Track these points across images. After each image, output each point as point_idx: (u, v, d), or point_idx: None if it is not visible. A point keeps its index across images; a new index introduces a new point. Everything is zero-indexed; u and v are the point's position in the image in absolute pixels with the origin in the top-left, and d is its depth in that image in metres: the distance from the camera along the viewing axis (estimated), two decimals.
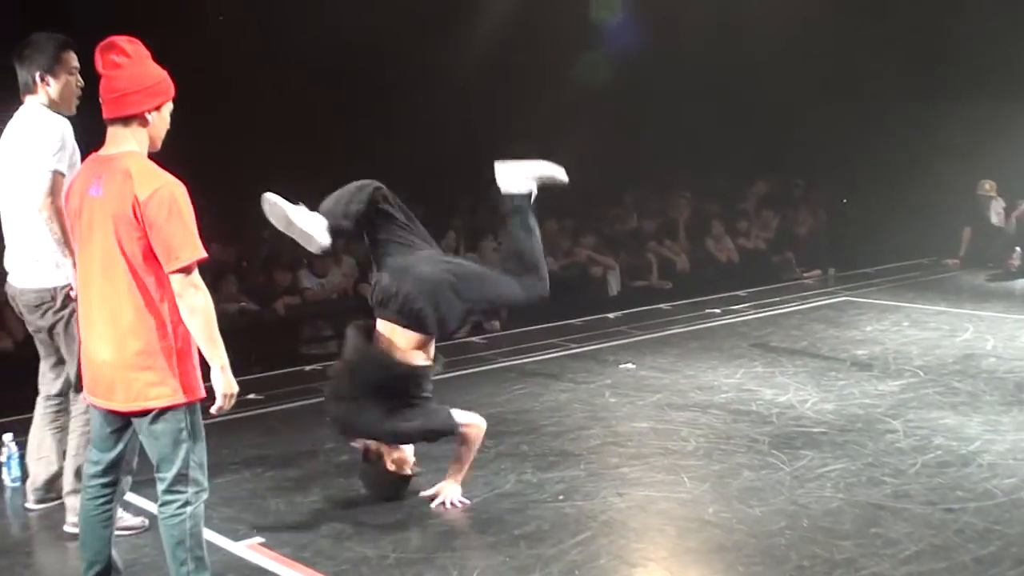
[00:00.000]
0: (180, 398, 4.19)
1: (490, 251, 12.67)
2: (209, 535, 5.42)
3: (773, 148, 16.14)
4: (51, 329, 5.52)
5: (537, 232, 6.15)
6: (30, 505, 5.95)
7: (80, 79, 5.56)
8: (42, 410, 5.81)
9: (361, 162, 14.23)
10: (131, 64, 4.24)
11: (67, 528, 5.53)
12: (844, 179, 16.25)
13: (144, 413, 4.20)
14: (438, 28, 14.00)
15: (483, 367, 9.17)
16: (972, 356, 8.87)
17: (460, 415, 5.87)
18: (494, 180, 6.18)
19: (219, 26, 13.14)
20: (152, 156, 4.34)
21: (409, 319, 5.71)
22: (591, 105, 14.96)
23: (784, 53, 15.05)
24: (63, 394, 5.72)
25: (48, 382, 5.76)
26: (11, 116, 5.56)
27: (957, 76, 14.83)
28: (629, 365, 8.94)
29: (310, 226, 5.65)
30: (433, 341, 5.87)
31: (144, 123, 4.26)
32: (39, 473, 5.90)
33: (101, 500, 4.46)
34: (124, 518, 5.53)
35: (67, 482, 5.59)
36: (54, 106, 5.51)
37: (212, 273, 10.99)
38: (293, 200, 5.70)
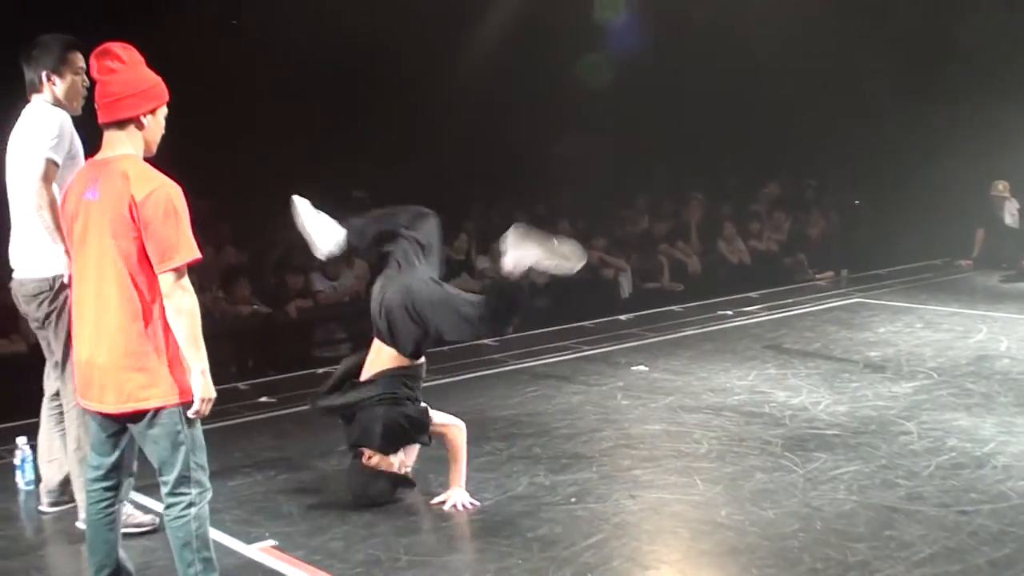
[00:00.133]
0: (173, 399, 4.20)
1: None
2: (222, 537, 5.46)
3: (785, 150, 16.11)
4: (45, 319, 5.56)
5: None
6: (44, 508, 5.96)
7: (86, 79, 5.60)
8: (47, 411, 5.83)
9: (374, 165, 14.34)
10: (125, 69, 4.31)
11: (79, 524, 5.54)
12: (856, 180, 16.22)
13: (138, 415, 4.21)
14: (448, 30, 14.01)
15: (495, 369, 9.17)
16: (986, 357, 8.85)
17: (436, 415, 5.95)
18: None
19: (234, 29, 13.16)
20: (160, 159, 4.38)
21: (382, 338, 5.94)
22: (602, 106, 14.95)
23: (795, 54, 15.03)
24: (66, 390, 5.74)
25: (51, 381, 5.78)
26: (18, 115, 5.63)
27: (971, 76, 14.79)
28: (641, 367, 8.93)
29: (317, 234, 6.09)
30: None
31: (140, 127, 4.32)
32: (52, 476, 5.92)
33: (104, 503, 4.47)
34: (134, 515, 5.57)
35: (74, 477, 5.60)
36: (59, 104, 5.59)
37: (224, 276, 11.03)
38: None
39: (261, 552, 5.35)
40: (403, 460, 5.99)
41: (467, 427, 7.00)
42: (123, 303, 4.17)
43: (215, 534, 5.49)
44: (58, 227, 5.25)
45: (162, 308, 4.18)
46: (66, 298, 5.40)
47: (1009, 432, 6.81)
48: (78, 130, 5.55)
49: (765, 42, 14.71)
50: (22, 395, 6.96)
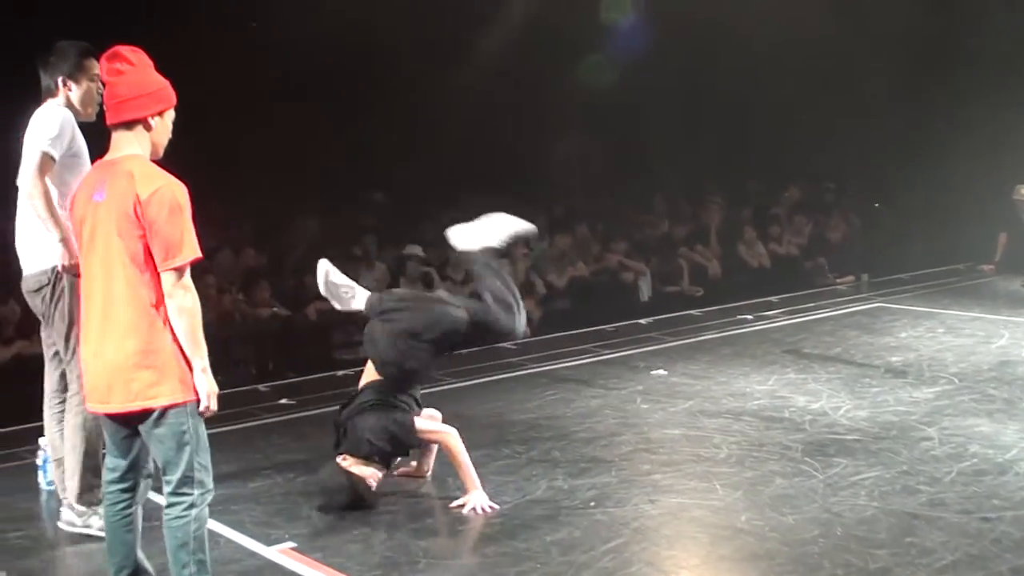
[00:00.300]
0: (179, 397, 4.22)
1: (520, 256, 12.69)
2: (241, 539, 5.49)
3: (806, 153, 16.05)
4: (46, 312, 5.61)
5: (504, 272, 6.29)
6: (63, 509, 5.98)
7: (101, 86, 5.63)
8: (49, 411, 5.85)
9: (391, 167, 14.35)
10: (134, 71, 4.36)
11: (60, 523, 5.66)
12: (877, 184, 16.15)
13: (144, 414, 4.23)
14: (462, 32, 14.01)
15: (514, 373, 9.17)
16: (1008, 363, 8.79)
17: (423, 424, 6.03)
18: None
19: (253, 30, 13.19)
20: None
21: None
22: (617, 108, 14.93)
23: (813, 58, 14.99)
24: (65, 390, 5.78)
25: (50, 377, 5.81)
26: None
27: (993, 79, 14.72)
28: (661, 371, 8.91)
29: (339, 298, 6.52)
30: None
31: (147, 128, 4.37)
32: (61, 476, 5.96)
33: (122, 505, 4.49)
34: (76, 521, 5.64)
35: (67, 466, 5.64)
36: (72, 110, 5.66)
37: (244, 278, 11.06)
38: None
39: (280, 553, 5.36)
40: (376, 474, 6.00)
41: (485, 431, 7.04)
42: (130, 302, 4.20)
43: (234, 535, 5.55)
44: (51, 216, 5.41)
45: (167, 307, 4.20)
46: (63, 288, 5.51)
47: None
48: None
49: (782, 45, 14.66)
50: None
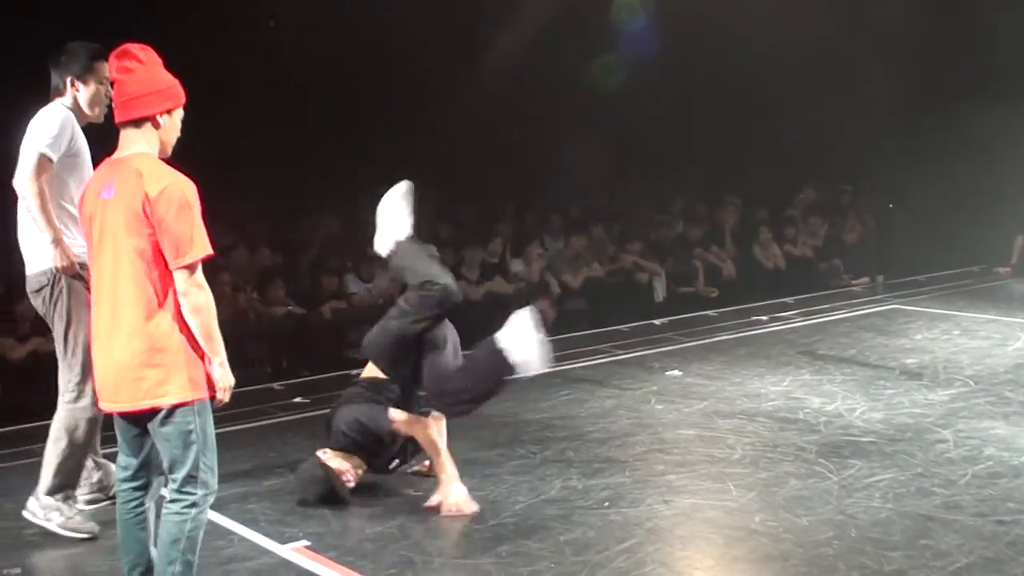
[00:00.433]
0: (187, 396, 4.22)
1: (535, 257, 12.68)
2: (255, 537, 5.50)
3: (820, 154, 16.01)
4: (46, 313, 5.63)
5: (417, 257, 6.45)
6: (79, 505, 6.00)
7: (110, 89, 5.64)
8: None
9: (410, 165, 14.34)
10: (142, 69, 4.36)
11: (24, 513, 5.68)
12: (893, 185, 16.10)
13: (152, 412, 4.24)
14: (481, 30, 14.02)
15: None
16: None
17: (396, 414, 6.01)
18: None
19: (271, 30, 13.21)
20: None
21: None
22: (634, 109, 14.92)
23: (828, 59, 14.95)
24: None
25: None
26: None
27: (1010, 80, 14.65)
28: (675, 372, 8.90)
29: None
30: None
31: (156, 126, 4.36)
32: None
33: (134, 503, 4.50)
34: (74, 519, 5.64)
35: (45, 463, 5.65)
36: (77, 111, 5.68)
37: (259, 277, 11.09)
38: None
39: (294, 552, 5.37)
40: (354, 470, 6.03)
41: (500, 430, 7.04)
42: (138, 300, 4.20)
43: (249, 533, 5.57)
44: (45, 217, 5.44)
45: (177, 304, 4.21)
46: (62, 288, 5.53)
47: None
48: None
49: (796, 45, 14.63)
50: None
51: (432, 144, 14.22)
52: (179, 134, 4.46)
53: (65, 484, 5.65)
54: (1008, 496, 5.82)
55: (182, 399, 4.22)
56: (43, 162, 5.46)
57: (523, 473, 6.42)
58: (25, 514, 5.70)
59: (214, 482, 4.37)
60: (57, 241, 5.50)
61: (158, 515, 4.46)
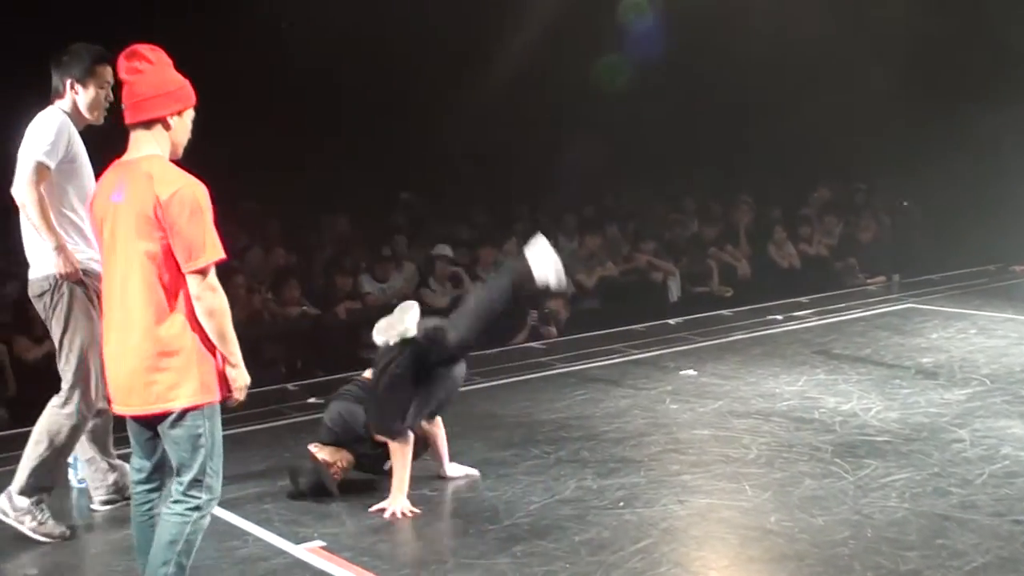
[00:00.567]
0: (198, 399, 4.21)
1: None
2: (270, 537, 5.51)
3: (835, 153, 15.98)
4: (50, 317, 5.63)
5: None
6: (95, 506, 6.03)
7: (111, 94, 5.66)
8: None
9: (421, 167, 14.37)
10: (152, 70, 4.29)
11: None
12: (908, 184, 16.05)
13: (163, 416, 4.23)
14: (491, 29, 14.04)
15: (543, 372, 9.16)
16: None
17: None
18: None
19: (284, 32, 13.24)
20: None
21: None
22: (648, 109, 14.91)
23: (842, 58, 14.93)
24: None
25: None
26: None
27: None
28: (690, 371, 8.89)
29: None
30: None
31: (166, 127, 4.31)
32: (91, 475, 6.02)
33: (148, 505, 4.49)
34: (47, 524, 5.63)
35: (23, 462, 5.63)
36: (76, 115, 5.63)
37: (274, 277, 11.10)
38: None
39: (309, 552, 5.37)
40: (338, 463, 6.10)
41: (514, 430, 7.05)
42: (149, 304, 4.17)
43: (263, 533, 5.58)
44: (46, 224, 5.42)
45: (188, 307, 4.18)
46: (63, 294, 5.53)
47: None
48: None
49: (811, 45, 14.62)
50: None
51: (446, 144, 14.25)
52: (190, 135, 4.41)
53: (39, 486, 5.62)
54: None
55: (193, 403, 4.21)
56: (40, 170, 5.42)
57: (538, 473, 6.41)
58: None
59: (219, 487, 4.36)
60: (60, 248, 5.48)
61: None
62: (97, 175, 5.34)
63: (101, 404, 5.80)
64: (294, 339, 10.74)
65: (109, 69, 5.63)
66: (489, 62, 13.96)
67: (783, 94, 15.25)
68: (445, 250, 12.00)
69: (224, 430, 4.38)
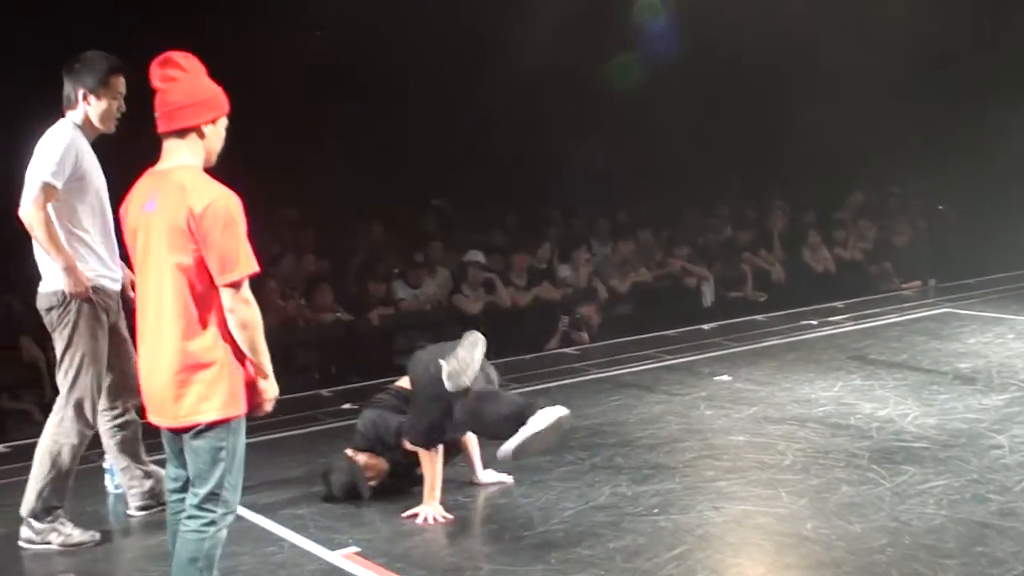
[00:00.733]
0: (226, 413, 4.18)
1: (582, 262, 12.66)
2: (306, 544, 5.52)
3: (870, 157, 15.89)
4: (54, 330, 5.61)
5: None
6: (131, 512, 6.06)
7: (123, 104, 5.63)
8: (101, 424, 5.89)
9: (452, 171, 14.38)
10: (186, 78, 4.25)
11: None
12: (944, 187, 15.93)
13: (191, 427, 4.20)
14: (527, 38, 14.04)
15: (576, 378, 9.14)
16: None
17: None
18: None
19: (318, 38, 13.29)
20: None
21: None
22: (682, 113, 14.87)
23: (879, 60, 14.84)
24: (114, 405, 5.85)
25: (101, 396, 5.82)
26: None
27: None
28: (724, 377, 8.85)
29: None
30: None
31: (200, 136, 4.26)
32: (127, 482, 6.05)
33: (184, 514, 4.45)
34: (73, 535, 5.64)
35: (33, 470, 5.63)
36: (88, 126, 5.59)
37: (307, 283, 11.15)
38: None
39: (344, 559, 5.38)
40: (373, 465, 6.14)
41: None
42: (181, 316, 4.14)
43: (298, 539, 5.59)
44: (54, 245, 5.40)
45: (220, 319, 4.15)
46: (72, 311, 5.51)
47: None
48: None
49: (843, 48, 14.54)
50: None
51: (478, 150, 14.25)
52: (223, 143, 4.36)
53: (49, 506, 5.61)
54: None
55: (221, 416, 4.17)
56: (47, 190, 5.38)
57: (572, 480, 6.40)
58: (22, 543, 5.65)
59: (236, 502, 4.32)
60: (69, 269, 5.45)
61: None
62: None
63: (127, 416, 5.84)
64: (328, 345, 10.78)
65: (123, 80, 5.61)
66: (521, 66, 13.95)
67: (816, 98, 15.16)
68: (477, 256, 12.01)
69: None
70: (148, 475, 6.01)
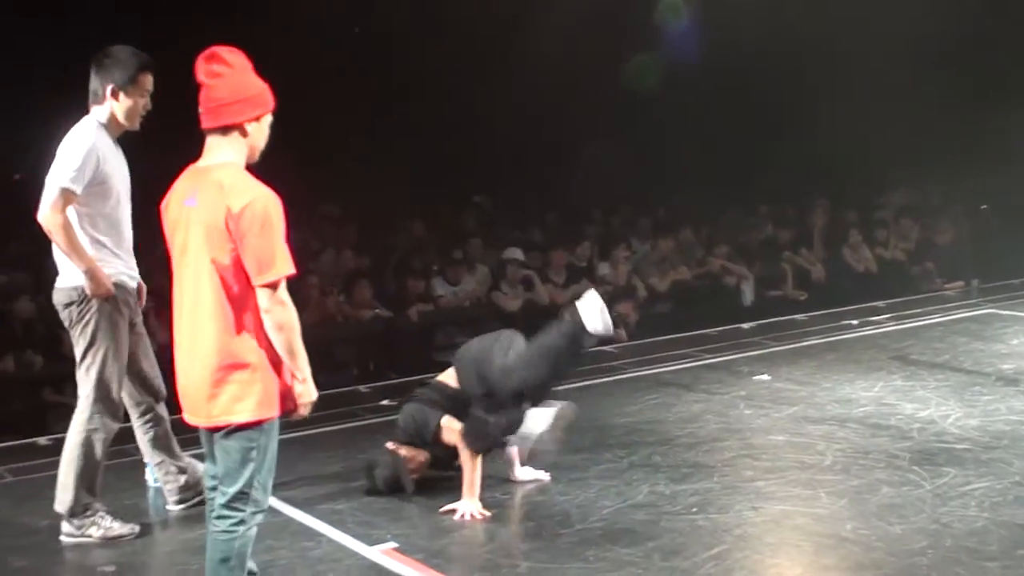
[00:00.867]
0: (260, 414, 4.15)
1: (621, 260, 12.64)
2: (343, 538, 5.54)
3: (911, 156, 15.76)
4: (71, 326, 5.61)
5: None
6: (170, 506, 6.09)
7: (149, 102, 5.60)
8: (133, 421, 5.94)
9: (493, 170, 14.40)
10: (232, 74, 4.19)
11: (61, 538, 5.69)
12: (987, 187, 15.78)
13: (222, 427, 4.18)
14: (566, 37, 14.03)
15: (615, 376, 9.12)
16: None
17: (448, 422, 6.08)
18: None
19: (358, 37, 13.34)
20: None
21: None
22: (723, 112, 14.82)
23: (921, 58, 14.72)
24: (144, 401, 5.88)
25: (127, 389, 5.84)
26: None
27: None
28: (764, 376, 8.80)
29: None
30: None
31: (243, 134, 4.20)
32: (163, 476, 6.08)
33: (214, 514, 4.48)
34: (113, 528, 5.66)
35: (63, 469, 5.64)
36: (113, 123, 5.56)
37: (346, 279, 11.19)
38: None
39: (382, 554, 5.39)
40: (416, 460, 6.16)
41: (586, 434, 7.04)
42: (217, 316, 4.11)
43: (336, 534, 5.61)
44: (74, 249, 5.38)
45: (257, 320, 4.12)
46: (92, 309, 5.50)
47: None
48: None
49: (882, 47, 14.43)
50: None
51: (519, 148, 14.26)
52: (267, 140, 4.31)
53: (83, 501, 5.63)
54: None
55: (254, 418, 4.14)
56: (66, 196, 5.35)
57: (610, 478, 6.38)
58: (63, 539, 5.67)
59: (265, 501, 4.29)
60: (91, 271, 5.43)
61: None
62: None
63: (155, 412, 5.86)
64: (366, 341, 10.81)
65: (151, 77, 5.57)
66: (560, 65, 13.95)
67: (858, 96, 15.08)
68: (516, 253, 12.01)
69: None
70: (183, 470, 6.04)
